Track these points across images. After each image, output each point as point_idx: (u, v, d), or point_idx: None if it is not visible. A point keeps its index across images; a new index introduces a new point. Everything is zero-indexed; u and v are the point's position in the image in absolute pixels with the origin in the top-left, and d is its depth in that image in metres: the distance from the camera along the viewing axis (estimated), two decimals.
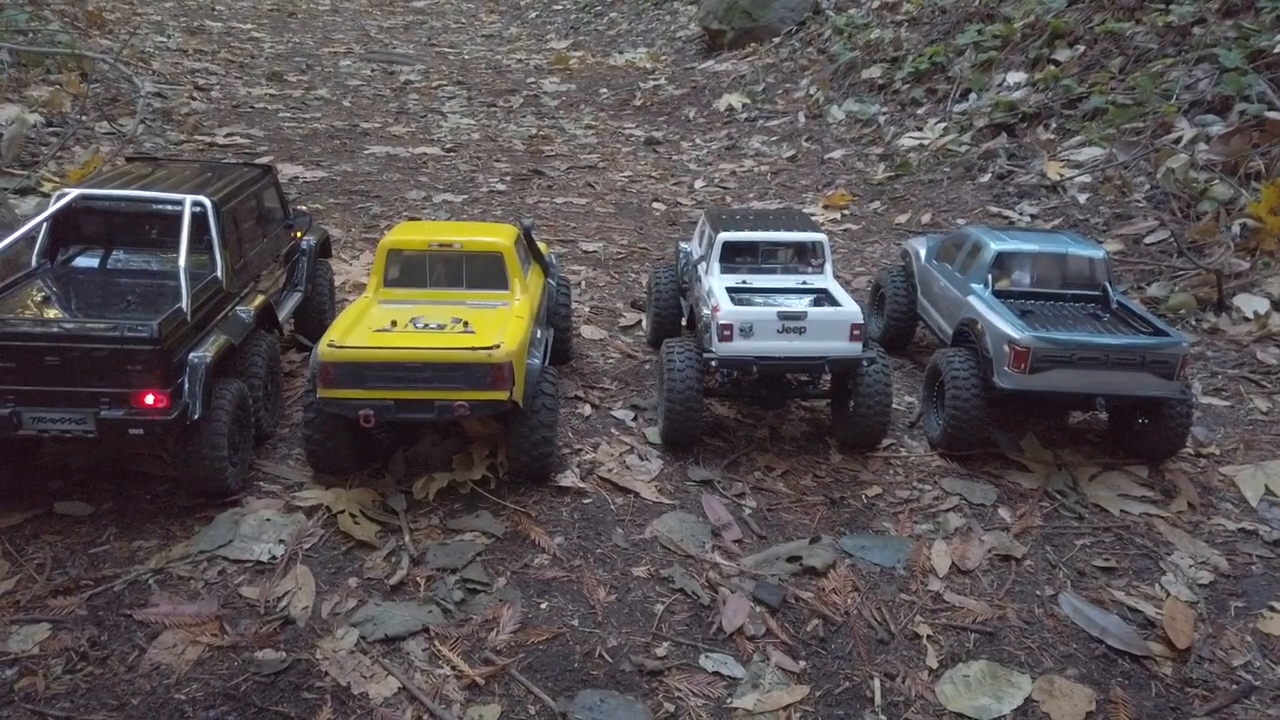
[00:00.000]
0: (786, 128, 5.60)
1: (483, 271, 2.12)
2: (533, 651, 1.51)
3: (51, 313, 1.83)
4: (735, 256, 2.27)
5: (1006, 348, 2.04)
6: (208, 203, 1.97)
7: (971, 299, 2.25)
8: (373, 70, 7.14)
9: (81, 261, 2.02)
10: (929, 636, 1.60)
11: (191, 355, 1.74)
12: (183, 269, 1.79)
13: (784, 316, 2.00)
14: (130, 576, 1.59)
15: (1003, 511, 1.95)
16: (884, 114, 5.32)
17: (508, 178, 4.55)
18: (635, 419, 2.24)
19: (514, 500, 1.89)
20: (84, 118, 4.42)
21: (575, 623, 1.58)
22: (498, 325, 1.93)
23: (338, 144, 4.90)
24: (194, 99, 5.34)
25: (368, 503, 1.83)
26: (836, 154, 5.00)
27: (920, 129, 4.98)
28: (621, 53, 8.13)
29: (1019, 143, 4.36)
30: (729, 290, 2.11)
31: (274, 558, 1.66)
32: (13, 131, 3.62)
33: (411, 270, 2.12)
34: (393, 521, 1.80)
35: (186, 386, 1.71)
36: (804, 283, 2.23)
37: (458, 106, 6.30)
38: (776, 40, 7.08)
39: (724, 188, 4.61)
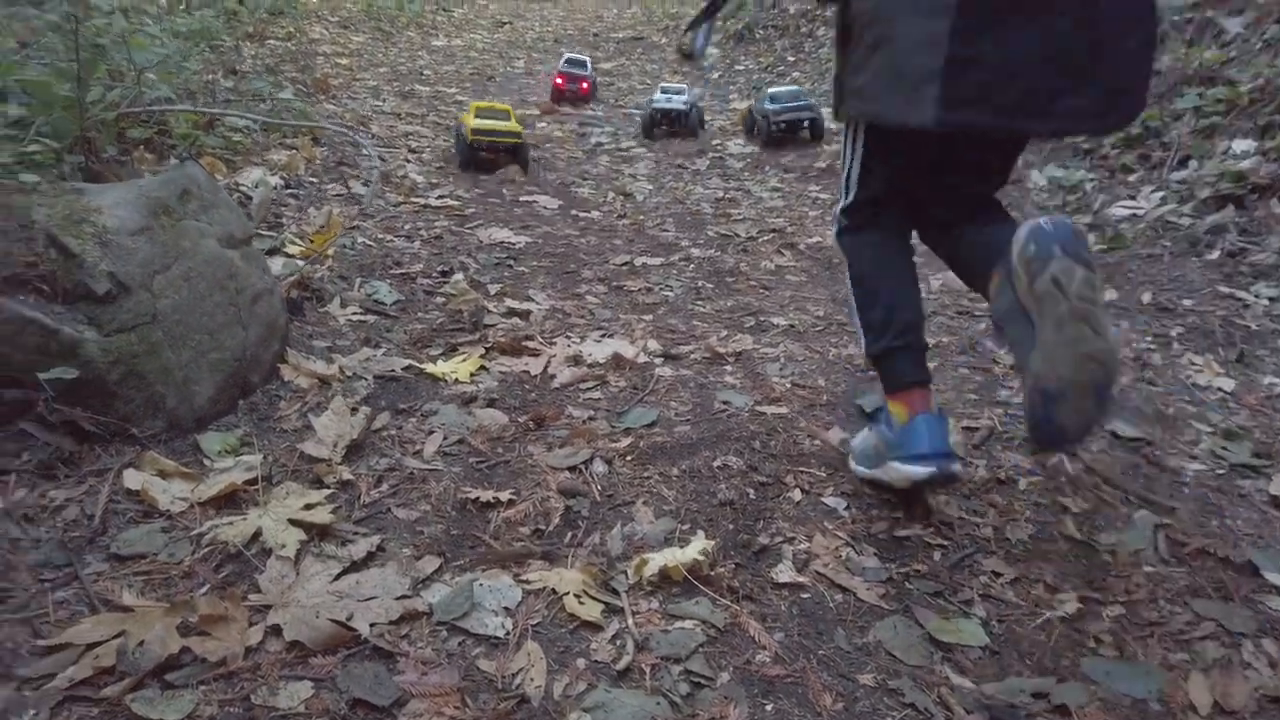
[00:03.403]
0: None
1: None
2: None
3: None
4: None
5: (771, 114, 6.67)
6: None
7: (764, 104, 6.77)
8: (565, 131, 7.47)
9: None
10: None
11: None
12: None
13: None
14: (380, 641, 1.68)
15: (1267, 644, 1.78)
16: (1091, 180, 5.07)
17: (700, 242, 4.64)
18: (848, 508, 2.20)
19: (730, 590, 1.89)
20: (315, 180, 4.83)
21: None
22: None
23: (537, 207, 5.14)
24: (408, 162, 5.74)
25: (591, 582, 1.87)
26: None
27: (1133, 198, 4.70)
28: None
29: (1250, 216, 4.04)
30: None
31: (507, 633, 1.72)
32: (261, 195, 3.99)
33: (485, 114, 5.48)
34: (615, 603, 1.83)
35: None
36: None
37: (644, 170, 6.48)
38: None
39: (920, 257, 4.50)
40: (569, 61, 8.35)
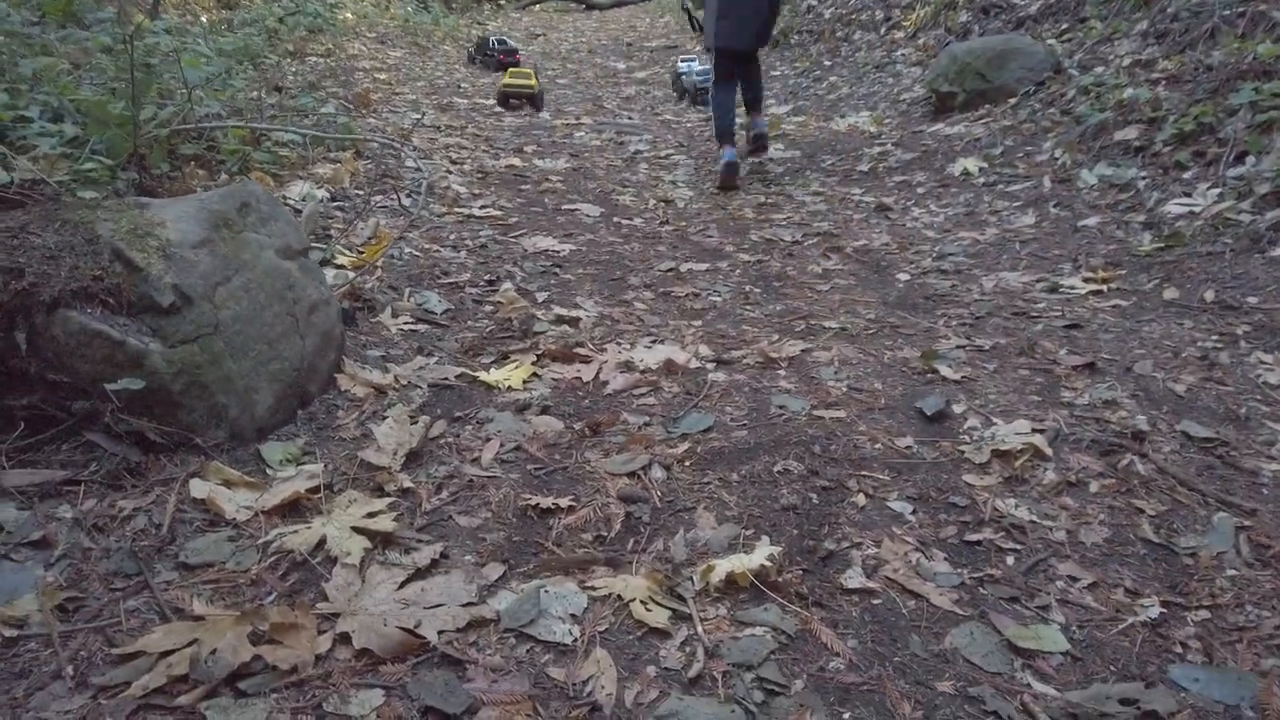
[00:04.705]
0: (1030, 193, 5.33)
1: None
2: None
3: None
4: None
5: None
6: None
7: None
8: (603, 140, 7.49)
9: None
10: None
11: None
12: None
13: None
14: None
15: None
16: (1143, 178, 4.96)
17: (745, 247, 4.60)
18: (915, 512, 2.15)
19: (799, 596, 1.85)
20: (360, 192, 4.87)
21: None
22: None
23: (580, 215, 5.15)
24: (450, 173, 5.77)
25: (656, 588, 1.85)
26: (1091, 221, 4.70)
27: (1189, 195, 4.59)
28: (844, 116, 8.09)
29: None
30: None
31: (575, 640, 1.70)
32: (309, 208, 4.03)
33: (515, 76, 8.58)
34: (682, 609, 1.80)
35: None
36: None
37: (684, 176, 6.47)
38: (1013, 101, 6.79)
39: (970, 258, 4.43)
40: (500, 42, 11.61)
